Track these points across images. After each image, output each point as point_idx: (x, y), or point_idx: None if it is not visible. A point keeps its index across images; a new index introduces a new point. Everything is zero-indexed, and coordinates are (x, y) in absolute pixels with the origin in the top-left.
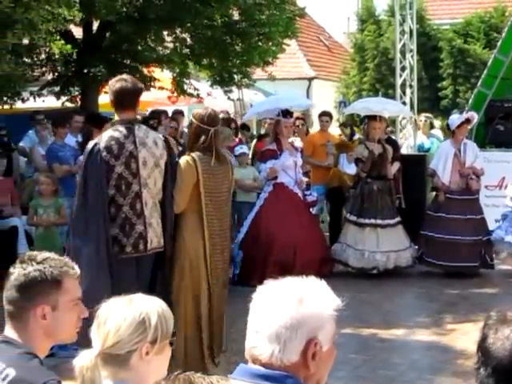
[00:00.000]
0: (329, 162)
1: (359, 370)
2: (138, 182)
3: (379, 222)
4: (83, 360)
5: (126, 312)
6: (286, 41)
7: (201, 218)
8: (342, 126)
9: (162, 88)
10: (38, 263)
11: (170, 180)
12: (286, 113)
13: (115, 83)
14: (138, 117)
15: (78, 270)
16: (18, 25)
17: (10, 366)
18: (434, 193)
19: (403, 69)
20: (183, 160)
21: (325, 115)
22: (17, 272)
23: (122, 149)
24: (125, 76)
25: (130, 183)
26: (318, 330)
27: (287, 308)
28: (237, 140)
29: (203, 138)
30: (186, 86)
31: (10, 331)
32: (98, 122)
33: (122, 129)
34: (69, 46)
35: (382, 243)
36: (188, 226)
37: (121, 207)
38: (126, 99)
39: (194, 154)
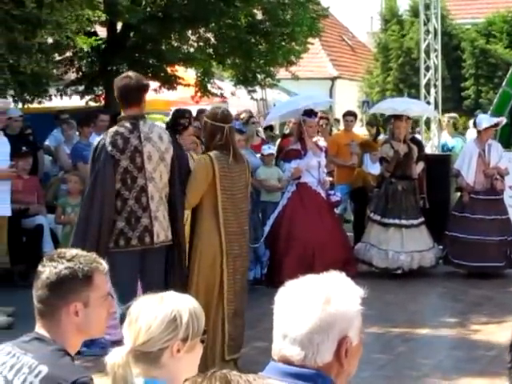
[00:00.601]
0: (353, 161)
1: (384, 370)
2: (144, 176)
3: (403, 222)
4: (115, 357)
5: (158, 310)
6: (310, 40)
7: (217, 216)
8: (369, 125)
9: (187, 85)
10: (68, 260)
11: (178, 174)
12: (310, 112)
13: (120, 80)
14: (166, 118)
15: (106, 265)
16: (48, 25)
17: (43, 362)
18: (459, 193)
19: (427, 68)
20: (199, 158)
21: (349, 115)
22: (47, 270)
23: (126, 143)
24: (130, 73)
25: (136, 177)
26: (348, 328)
27: (315, 309)
28: (259, 139)
29: (219, 135)
30: (209, 86)
31: (41, 329)
32: None
33: (127, 124)
34: (93, 38)
35: (407, 243)
36: (204, 224)
37: (126, 201)
38: (130, 96)
39: (210, 153)
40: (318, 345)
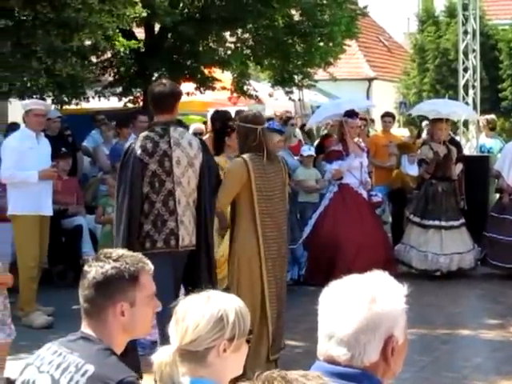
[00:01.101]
0: (391, 162)
1: (424, 372)
2: (172, 180)
3: (443, 223)
4: (162, 356)
5: (205, 309)
6: (347, 41)
7: (254, 218)
8: (412, 125)
9: (224, 88)
10: (114, 260)
11: (208, 180)
12: (352, 113)
13: (154, 87)
14: (207, 120)
15: (151, 265)
16: (86, 29)
17: (89, 362)
18: (498, 194)
19: (466, 69)
20: (234, 161)
21: (388, 116)
22: (94, 270)
23: (156, 147)
24: (164, 80)
25: (164, 181)
26: (393, 327)
27: (361, 309)
28: (297, 141)
29: (252, 137)
30: (245, 87)
31: (86, 328)
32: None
33: (158, 129)
34: (132, 42)
35: (446, 245)
36: (241, 226)
37: (154, 204)
38: (163, 102)
39: (244, 155)
40: (364, 345)
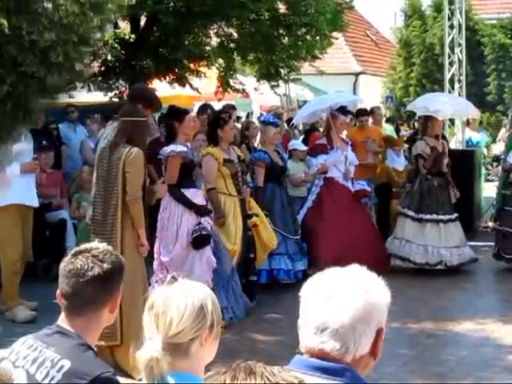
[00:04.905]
0: (369, 160)
1: (408, 366)
2: None
3: (441, 217)
4: (149, 352)
5: (185, 299)
6: (334, 35)
7: None
8: (390, 121)
9: (196, 89)
10: (106, 255)
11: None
12: (345, 110)
13: None
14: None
15: None
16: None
17: (65, 357)
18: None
19: (451, 63)
20: None
21: (363, 115)
22: (97, 268)
23: None
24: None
25: None
26: (382, 320)
27: (357, 299)
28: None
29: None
30: (231, 81)
31: (64, 322)
32: (178, 115)
33: None
34: (121, 29)
35: (446, 238)
36: None
37: None
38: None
39: None
40: (360, 335)
